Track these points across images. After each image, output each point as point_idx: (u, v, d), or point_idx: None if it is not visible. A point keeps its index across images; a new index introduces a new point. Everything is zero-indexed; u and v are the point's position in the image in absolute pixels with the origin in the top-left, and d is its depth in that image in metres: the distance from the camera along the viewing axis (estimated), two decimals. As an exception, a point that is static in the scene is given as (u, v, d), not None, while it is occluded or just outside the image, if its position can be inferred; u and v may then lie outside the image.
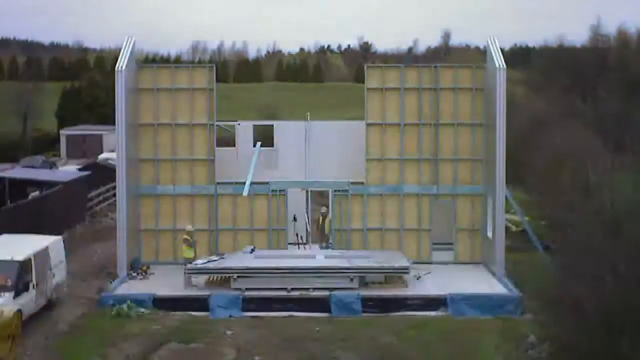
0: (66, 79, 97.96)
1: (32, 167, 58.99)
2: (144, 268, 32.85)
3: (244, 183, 34.57)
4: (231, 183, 34.83)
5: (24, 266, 26.27)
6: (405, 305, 28.99)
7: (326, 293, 29.25)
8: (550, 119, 49.65)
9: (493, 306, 28.62)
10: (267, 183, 34.66)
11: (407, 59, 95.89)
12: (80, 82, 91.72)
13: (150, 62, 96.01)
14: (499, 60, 31.97)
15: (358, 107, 41.32)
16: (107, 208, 48.48)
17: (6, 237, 28.94)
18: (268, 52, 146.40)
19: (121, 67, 32.38)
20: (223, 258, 31.22)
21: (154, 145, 34.65)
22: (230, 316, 28.60)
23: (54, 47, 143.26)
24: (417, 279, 31.18)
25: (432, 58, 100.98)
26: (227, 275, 30.14)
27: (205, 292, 29.37)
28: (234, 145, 37.30)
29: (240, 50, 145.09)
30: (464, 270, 32.92)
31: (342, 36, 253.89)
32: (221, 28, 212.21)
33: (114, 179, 38.06)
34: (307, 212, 37.77)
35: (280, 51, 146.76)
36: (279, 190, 34.56)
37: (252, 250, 32.65)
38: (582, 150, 37.23)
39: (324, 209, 35.02)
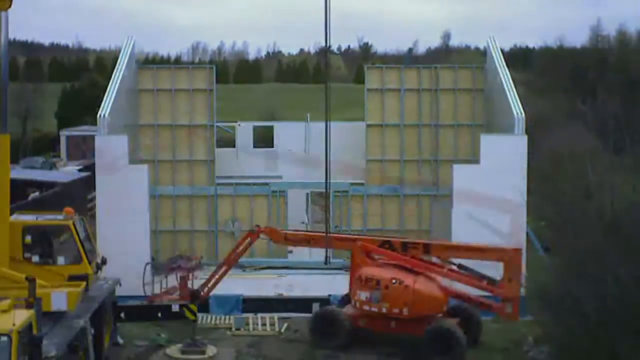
0: (66, 80, 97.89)
1: (32, 167, 58.98)
2: None
3: (244, 184, 34.67)
4: (231, 184, 34.85)
5: None
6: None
7: (326, 294, 29.27)
8: (550, 119, 49.65)
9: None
10: (267, 184, 34.66)
11: (407, 59, 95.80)
12: (81, 82, 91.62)
13: (150, 62, 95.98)
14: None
15: (358, 108, 41.32)
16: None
17: None
18: (268, 52, 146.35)
19: (121, 68, 32.40)
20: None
21: (154, 146, 34.65)
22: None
23: (54, 47, 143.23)
24: None
25: (432, 59, 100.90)
26: None
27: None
28: (234, 146, 37.37)
29: (240, 51, 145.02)
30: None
31: (342, 37, 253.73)
32: (221, 29, 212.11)
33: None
34: (307, 213, 37.75)
35: (280, 52, 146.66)
36: (279, 191, 34.56)
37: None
38: (582, 151, 37.23)
39: None
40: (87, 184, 47.86)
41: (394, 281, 25.06)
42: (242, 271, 31.80)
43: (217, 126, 35.44)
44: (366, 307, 25.26)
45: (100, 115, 30.00)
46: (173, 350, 25.26)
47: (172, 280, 28.98)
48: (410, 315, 24.82)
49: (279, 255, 34.35)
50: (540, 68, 74.68)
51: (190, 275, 27.98)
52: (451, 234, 29.35)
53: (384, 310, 25.10)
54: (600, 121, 47.21)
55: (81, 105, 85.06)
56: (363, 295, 25.33)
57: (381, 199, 34.59)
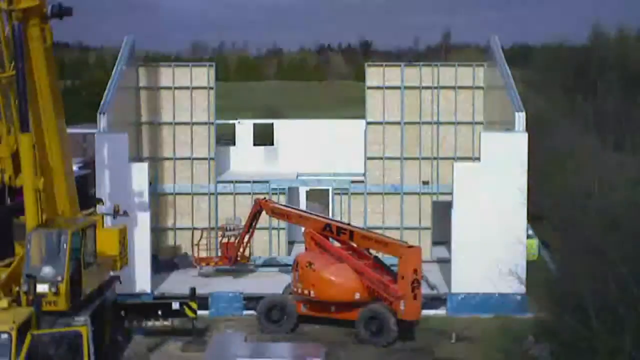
0: (66, 78, 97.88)
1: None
2: None
3: (244, 181, 34.65)
4: (231, 182, 34.81)
5: None
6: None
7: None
8: (550, 117, 49.58)
9: (493, 305, 28.60)
10: (267, 182, 34.61)
11: (408, 57, 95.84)
12: (81, 80, 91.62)
13: (150, 60, 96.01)
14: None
15: (358, 105, 41.27)
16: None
17: None
18: (268, 50, 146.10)
19: (121, 66, 32.38)
20: None
21: (155, 144, 34.62)
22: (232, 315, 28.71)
23: (54, 45, 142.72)
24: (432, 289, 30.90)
25: (433, 57, 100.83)
26: None
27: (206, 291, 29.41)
28: (234, 144, 37.39)
29: (240, 49, 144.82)
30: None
31: (342, 35, 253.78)
32: (221, 26, 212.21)
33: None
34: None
35: (280, 50, 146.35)
36: (279, 188, 34.51)
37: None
38: (582, 149, 37.23)
39: None
40: (88, 181, 47.86)
41: (307, 264, 26.64)
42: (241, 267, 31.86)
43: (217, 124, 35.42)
44: (294, 290, 27.09)
45: (100, 113, 30.00)
46: (173, 348, 25.26)
47: (174, 280, 29.00)
48: (316, 298, 26.42)
49: (279, 254, 34.36)
50: (541, 66, 74.55)
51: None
52: (451, 232, 29.35)
53: (299, 291, 26.82)
54: (601, 119, 47.23)
55: (82, 103, 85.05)
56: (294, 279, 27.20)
57: (382, 196, 34.55)
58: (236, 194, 34.53)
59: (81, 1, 23.54)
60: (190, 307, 25.58)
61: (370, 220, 34.34)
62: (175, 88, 34.70)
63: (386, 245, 26.62)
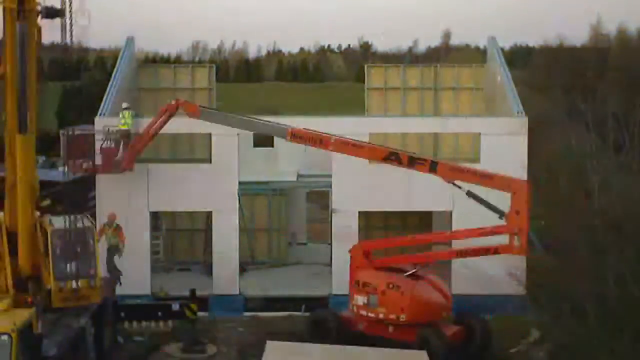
0: (67, 79, 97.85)
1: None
2: None
3: (245, 182, 34.59)
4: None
5: None
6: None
7: (326, 293, 29.35)
8: (550, 118, 49.58)
9: (492, 306, 28.59)
10: (267, 183, 34.57)
11: (407, 58, 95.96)
12: (81, 81, 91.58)
13: (150, 61, 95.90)
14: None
15: (359, 107, 41.28)
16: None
17: None
18: (268, 51, 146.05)
19: (121, 67, 32.41)
20: None
21: (154, 145, 34.56)
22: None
23: (54, 46, 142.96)
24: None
25: (433, 58, 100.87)
26: None
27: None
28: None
29: (240, 50, 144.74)
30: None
31: (342, 36, 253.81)
32: (221, 27, 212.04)
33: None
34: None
35: (280, 51, 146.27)
36: (279, 189, 34.48)
37: None
38: (582, 150, 37.16)
39: None
40: (88, 183, 47.83)
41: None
42: (244, 271, 31.83)
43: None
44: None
45: (98, 115, 30.01)
46: (173, 349, 25.27)
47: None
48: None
49: (280, 254, 34.36)
50: (540, 66, 74.61)
51: None
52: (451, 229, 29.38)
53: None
54: (600, 120, 47.17)
55: (82, 104, 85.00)
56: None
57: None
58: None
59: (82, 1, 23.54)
60: (190, 309, 25.58)
61: (370, 220, 34.36)
62: (176, 89, 34.69)
63: (492, 179, 24.44)
